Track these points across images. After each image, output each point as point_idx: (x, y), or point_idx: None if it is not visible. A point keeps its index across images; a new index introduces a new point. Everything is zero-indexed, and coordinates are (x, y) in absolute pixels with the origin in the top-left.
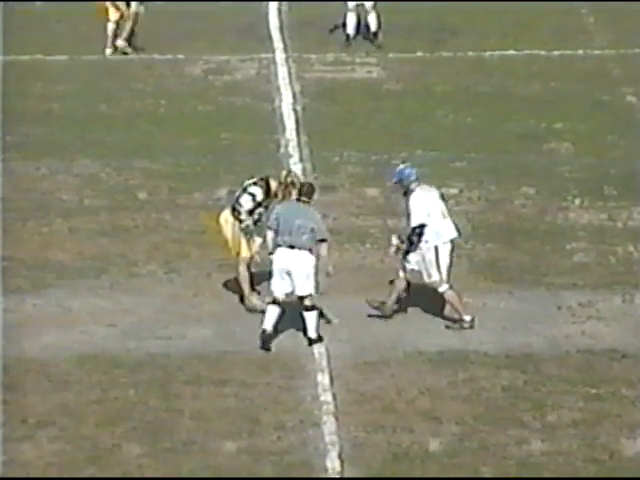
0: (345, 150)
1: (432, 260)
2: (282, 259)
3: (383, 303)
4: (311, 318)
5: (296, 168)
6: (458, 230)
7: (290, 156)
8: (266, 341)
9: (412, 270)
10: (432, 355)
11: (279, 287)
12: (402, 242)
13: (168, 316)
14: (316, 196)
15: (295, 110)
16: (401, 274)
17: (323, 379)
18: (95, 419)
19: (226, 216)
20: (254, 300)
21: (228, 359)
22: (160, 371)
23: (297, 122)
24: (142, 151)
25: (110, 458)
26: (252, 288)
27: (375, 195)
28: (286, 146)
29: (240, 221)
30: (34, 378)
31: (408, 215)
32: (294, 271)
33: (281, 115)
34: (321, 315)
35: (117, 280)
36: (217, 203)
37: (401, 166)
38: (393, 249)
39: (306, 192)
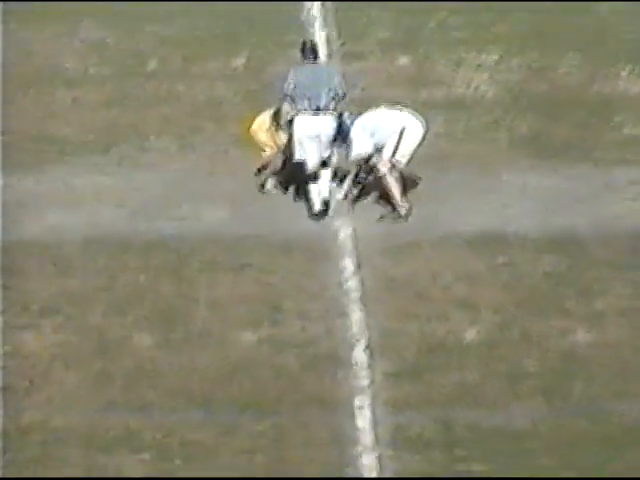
0: (375, 8)
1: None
2: (307, 125)
3: (393, 210)
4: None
5: (320, 34)
6: None
7: (315, 18)
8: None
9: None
10: (470, 237)
11: (312, 156)
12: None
13: (181, 195)
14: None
15: None
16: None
17: (349, 264)
18: (103, 307)
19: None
20: (269, 184)
21: (246, 243)
22: (173, 255)
23: None
24: (154, 13)
25: (119, 349)
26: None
27: (406, 64)
28: (309, 10)
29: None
30: (36, 262)
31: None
32: (323, 136)
33: None
34: None
35: (126, 155)
36: (235, 73)
37: None
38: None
39: (312, 51)
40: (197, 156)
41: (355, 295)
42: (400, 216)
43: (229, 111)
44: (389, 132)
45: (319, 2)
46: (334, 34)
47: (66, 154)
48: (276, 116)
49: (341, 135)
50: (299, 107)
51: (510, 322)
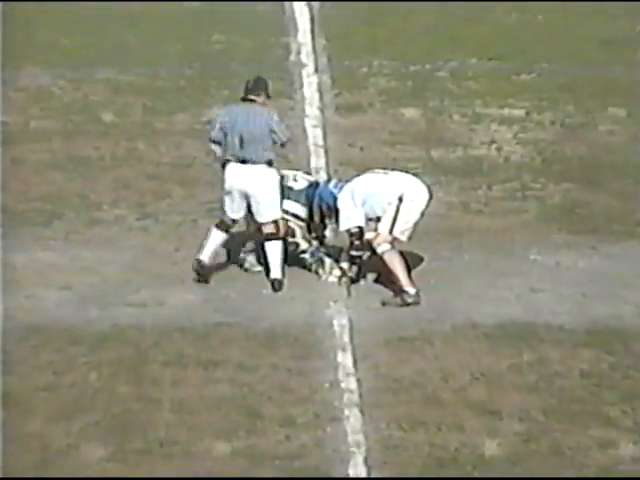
0: (375, 58)
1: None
2: (234, 177)
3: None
4: (274, 251)
5: (310, 81)
6: None
7: (303, 65)
8: (200, 273)
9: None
10: (489, 329)
11: (231, 210)
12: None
13: (141, 276)
14: (269, 92)
15: (310, 5)
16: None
17: (345, 360)
18: (45, 411)
19: None
20: (248, 262)
21: (220, 333)
22: (131, 348)
23: (312, 20)
24: (108, 58)
25: (64, 462)
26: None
27: (415, 117)
28: (298, 52)
29: None
30: None
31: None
32: (250, 191)
33: (292, 11)
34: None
35: (74, 229)
36: (206, 128)
37: None
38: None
39: (252, 87)
40: (161, 228)
41: (351, 398)
42: (405, 302)
43: (199, 174)
44: (384, 201)
45: (308, 43)
46: (328, 82)
47: (1, 226)
48: None
49: (322, 204)
50: (228, 153)
51: (538, 433)
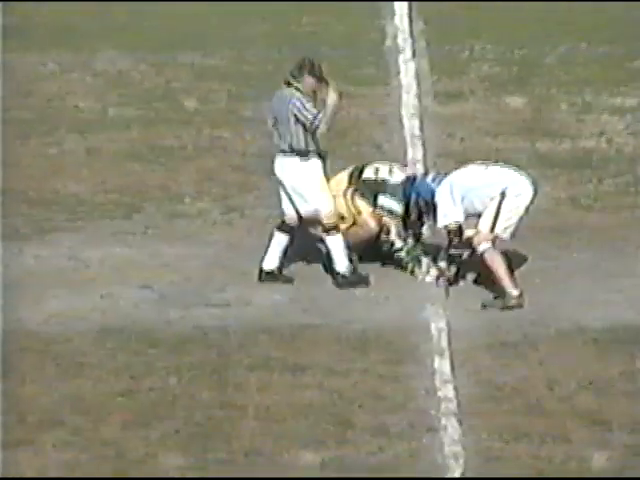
0: (477, 42)
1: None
2: (275, 169)
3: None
4: (335, 244)
5: (407, 67)
6: None
7: (400, 50)
8: (262, 275)
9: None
10: (598, 334)
11: (286, 207)
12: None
13: (225, 274)
14: (317, 73)
15: None
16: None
17: (442, 365)
18: (121, 418)
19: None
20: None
21: (309, 335)
22: (214, 352)
23: (409, 2)
24: (191, 41)
25: (141, 471)
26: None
27: (519, 106)
28: (394, 36)
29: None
30: (36, 360)
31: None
32: (289, 184)
33: None
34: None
35: (154, 223)
36: None
37: None
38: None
39: (292, 71)
40: (246, 222)
41: (449, 406)
42: (507, 305)
43: None
44: (485, 197)
45: (405, 26)
46: (426, 69)
47: (76, 220)
48: (354, 177)
49: (419, 199)
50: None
51: None
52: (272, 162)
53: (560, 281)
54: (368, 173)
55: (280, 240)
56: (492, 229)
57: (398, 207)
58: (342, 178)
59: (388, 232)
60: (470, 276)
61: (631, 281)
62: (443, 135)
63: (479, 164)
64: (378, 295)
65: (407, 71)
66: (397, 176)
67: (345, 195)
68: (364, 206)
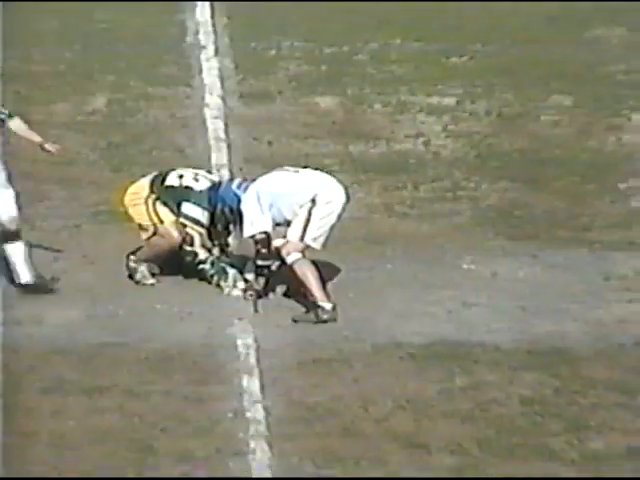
0: (285, 39)
1: None
2: None
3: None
4: (16, 252)
5: (210, 65)
6: None
7: (202, 47)
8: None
9: None
10: (416, 349)
11: None
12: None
13: (15, 291)
14: None
15: None
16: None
17: (251, 385)
18: None
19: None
20: (139, 273)
21: (107, 355)
22: (4, 373)
23: None
24: None
25: None
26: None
27: (330, 107)
28: (196, 32)
29: None
30: None
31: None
32: None
33: None
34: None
35: None
36: (90, 118)
37: None
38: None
39: None
40: (37, 235)
41: (258, 429)
42: (320, 319)
43: (81, 173)
44: (294, 204)
45: (207, 21)
46: (230, 67)
47: None
48: (155, 184)
49: (225, 207)
50: None
51: (472, 467)
52: (64, 170)
53: (375, 293)
54: (171, 180)
55: (13, 250)
56: (302, 238)
57: (202, 216)
58: (143, 185)
59: (192, 242)
60: (280, 289)
61: (449, 293)
62: (249, 138)
63: (288, 169)
64: (181, 310)
65: (210, 70)
66: (202, 183)
67: (146, 203)
68: (166, 215)
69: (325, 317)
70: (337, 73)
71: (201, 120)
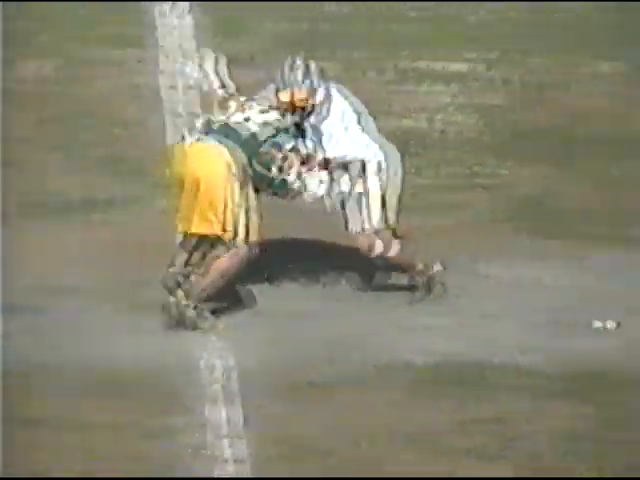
0: None
1: None
2: None
3: None
4: None
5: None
6: None
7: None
8: None
9: None
10: (421, 372)
11: None
12: None
13: None
14: None
15: None
16: None
17: (218, 415)
18: None
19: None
20: None
21: (35, 378)
22: None
23: None
24: None
25: None
26: None
27: None
28: None
29: None
30: None
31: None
32: None
33: None
34: None
35: None
36: (19, 88)
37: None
38: None
39: None
40: None
41: (223, 469)
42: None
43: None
44: None
45: None
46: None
47: None
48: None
49: None
50: None
51: None
52: None
53: (369, 303)
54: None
55: None
56: None
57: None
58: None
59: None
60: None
61: (462, 302)
62: None
63: None
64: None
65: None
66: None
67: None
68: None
69: None
70: (329, 33)
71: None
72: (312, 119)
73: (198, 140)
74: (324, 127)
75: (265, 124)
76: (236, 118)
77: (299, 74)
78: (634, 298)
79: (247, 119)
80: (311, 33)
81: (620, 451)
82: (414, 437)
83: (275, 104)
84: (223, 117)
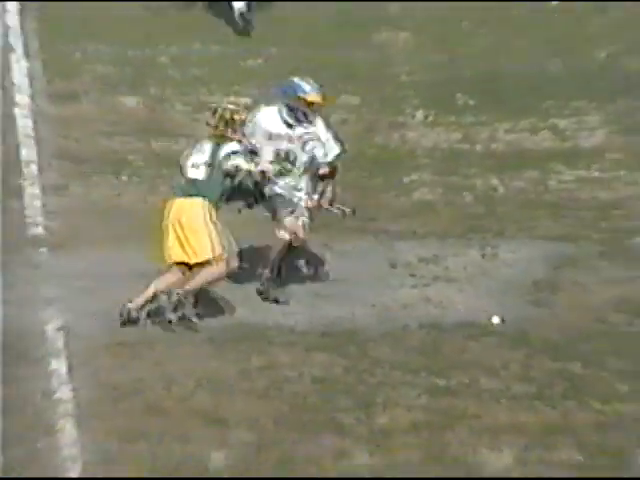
0: (91, 43)
1: None
2: None
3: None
4: None
5: (20, 66)
6: None
7: (12, 50)
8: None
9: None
10: (214, 332)
11: None
12: None
13: None
14: None
15: None
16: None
17: (59, 367)
18: None
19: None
20: None
21: None
22: None
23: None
24: None
25: None
26: None
27: (134, 107)
28: (5, 35)
29: None
30: None
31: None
32: None
33: None
34: None
35: None
36: None
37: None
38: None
39: None
40: None
41: (66, 408)
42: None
43: None
44: None
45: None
46: (39, 68)
47: None
48: None
49: None
50: None
51: (268, 442)
52: None
53: None
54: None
55: None
56: None
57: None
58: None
59: None
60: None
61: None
62: (58, 136)
63: None
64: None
65: (20, 70)
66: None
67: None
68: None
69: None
70: (140, 75)
71: (11, 118)
72: None
73: None
74: None
75: None
76: None
77: None
78: (375, 275)
79: None
80: (131, 75)
81: (362, 390)
82: (207, 382)
83: None
84: None
